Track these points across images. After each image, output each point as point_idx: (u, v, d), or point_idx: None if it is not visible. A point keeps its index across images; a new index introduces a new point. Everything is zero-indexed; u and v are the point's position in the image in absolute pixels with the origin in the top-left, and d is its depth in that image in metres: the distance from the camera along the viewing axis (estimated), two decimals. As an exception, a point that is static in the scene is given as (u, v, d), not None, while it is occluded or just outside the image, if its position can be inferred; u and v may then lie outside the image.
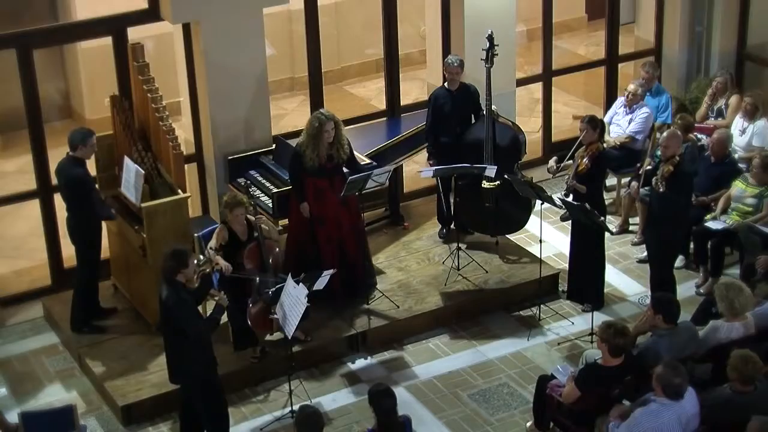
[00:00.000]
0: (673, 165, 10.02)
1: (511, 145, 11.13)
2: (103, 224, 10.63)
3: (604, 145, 11.23)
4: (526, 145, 11.33)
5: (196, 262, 8.89)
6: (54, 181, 10.53)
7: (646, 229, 11.04)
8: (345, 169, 10.42)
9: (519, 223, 11.40)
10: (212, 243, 9.66)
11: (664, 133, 10.39)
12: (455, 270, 11.10)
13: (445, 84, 11.24)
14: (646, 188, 10.54)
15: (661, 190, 10.01)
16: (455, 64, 11.08)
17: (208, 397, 8.81)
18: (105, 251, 10.75)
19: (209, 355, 8.77)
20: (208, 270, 9.15)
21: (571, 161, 10.81)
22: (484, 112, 11.04)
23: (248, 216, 9.77)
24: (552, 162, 11.06)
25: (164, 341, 8.89)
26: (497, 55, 11.03)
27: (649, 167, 10.51)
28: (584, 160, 10.46)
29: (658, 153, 10.44)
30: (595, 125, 10.51)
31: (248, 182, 10.91)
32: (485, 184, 11.05)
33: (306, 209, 10.30)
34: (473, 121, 11.26)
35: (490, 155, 10.99)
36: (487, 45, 10.98)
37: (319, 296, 9.69)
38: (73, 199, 10.04)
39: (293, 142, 11.08)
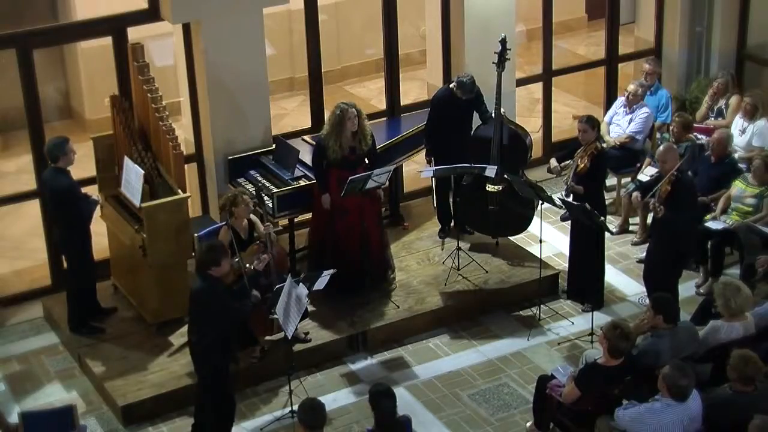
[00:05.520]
0: (671, 183, 9.76)
1: (519, 150, 11.10)
2: (103, 224, 10.65)
3: (604, 144, 11.22)
4: (532, 149, 11.32)
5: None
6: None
7: (652, 243, 10.41)
8: (366, 161, 10.45)
9: (522, 226, 11.37)
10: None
11: (660, 148, 10.20)
12: (455, 270, 11.10)
13: (451, 85, 11.20)
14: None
15: (659, 215, 9.70)
16: (467, 82, 10.96)
17: (216, 393, 8.90)
18: (105, 251, 10.77)
19: (228, 354, 8.92)
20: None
21: (570, 161, 10.81)
22: (493, 115, 11.01)
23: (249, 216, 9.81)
24: (554, 162, 11.04)
25: (188, 332, 9.03)
26: (509, 59, 10.98)
27: (648, 178, 10.37)
28: (584, 160, 10.46)
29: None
30: (594, 124, 10.52)
31: (259, 182, 10.89)
32: (489, 188, 11.00)
33: (327, 201, 10.33)
34: (473, 122, 11.25)
35: (496, 158, 10.96)
36: (500, 48, 10.90)
37: (344, 287, 10.04)
38: (59, 210, 9.99)
39: (293, 142, 11.10)
